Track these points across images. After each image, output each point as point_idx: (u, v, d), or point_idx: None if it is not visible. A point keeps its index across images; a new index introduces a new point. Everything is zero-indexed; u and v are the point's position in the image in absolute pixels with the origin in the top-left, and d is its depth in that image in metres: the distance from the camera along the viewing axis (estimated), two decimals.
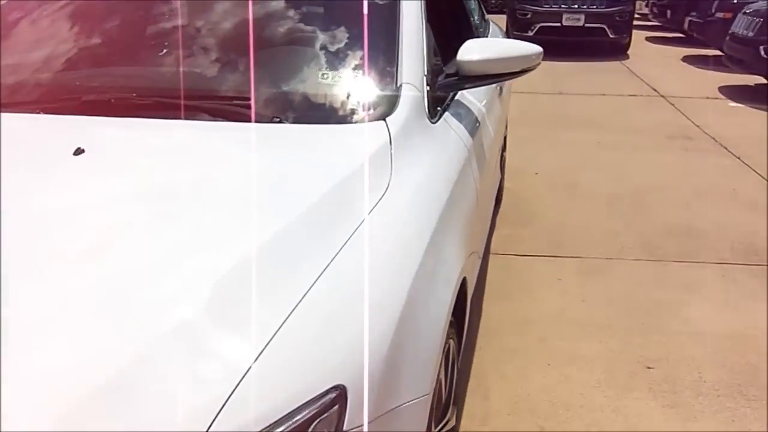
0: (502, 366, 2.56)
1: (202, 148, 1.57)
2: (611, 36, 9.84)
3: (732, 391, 2.41)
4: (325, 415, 1.00)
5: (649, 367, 2.55)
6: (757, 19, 6.93)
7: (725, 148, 5.35)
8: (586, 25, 9.74)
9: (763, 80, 7.51)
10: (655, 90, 7.56)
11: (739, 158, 5.09)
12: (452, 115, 2.02)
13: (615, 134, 5.85)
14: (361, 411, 1.04)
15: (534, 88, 7.19)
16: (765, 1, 7.44)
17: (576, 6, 9.74)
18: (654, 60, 9.65)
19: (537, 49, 2.11)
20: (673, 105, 6.85)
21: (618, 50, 10.11)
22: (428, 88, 1.87)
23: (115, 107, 1.70)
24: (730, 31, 7.45)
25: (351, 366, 1.05)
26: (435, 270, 1.38)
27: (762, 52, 6.74)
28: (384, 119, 1.66)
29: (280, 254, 1.20)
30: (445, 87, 1.98)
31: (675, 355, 2.63)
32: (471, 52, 1.96)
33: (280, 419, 0.96)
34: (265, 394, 0.98)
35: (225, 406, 0.94)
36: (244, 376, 0.98)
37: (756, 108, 6.67)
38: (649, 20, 12.38)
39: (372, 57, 1.86)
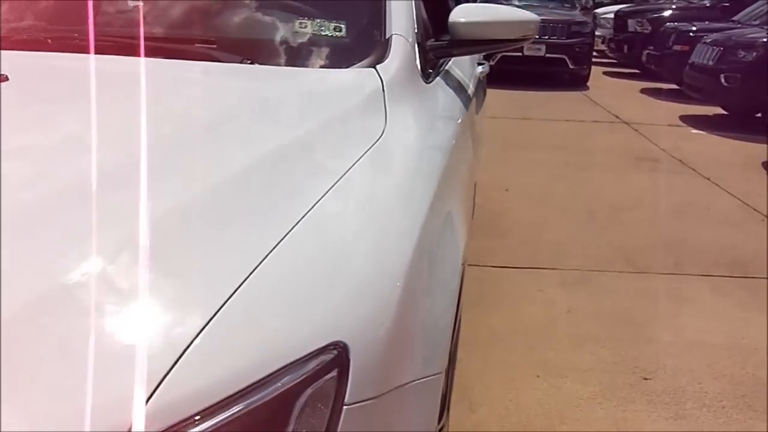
0: (487, 377, 2.31)
1: (151, 82, 1.30)
2: (571, 66, 9.88)
3: (738, 402, 2.21)
4: (319, 383, 0.73)
5: (646, 378, 2.33)
6: (717, 48, 7.00)
7: (693, 170, 5.28)
8: (547, 55, 9.76)
9: (721, 110, 7.59)
10: (617, 117, 7.55)
11: (708, 179, 5.02)
12: (445, 82, 1.81)
13: (582, 155, 5.75)
14: (366, 381, 0.77)
15: (498, 114, 7.10)
16: (723, 32, 7.57)
17: (537, 36, 9.77)
18: (613, 91, 9.71)
19: (534, 17, 1.93)
20: (636, 130, 6.82)
21: (578, 81, 10.16)
22: (419, 45, 1.65)
23: (53, 46, 1.42)
24: (689, 61, 7.51)
25: (354, 320, 0.78)
26: (442, 226, 1.14)
27: (723, 80, 6.79)
28: (374, 67, 1.44)
29: (248, 191, 0.94)
30: (436, 49, 1.77)
31: (671, 365, 2.42)
32: (464, 13, 1.77)
33: (247, 388, 0.69)
34: (225, 354, 0.70)
35: (172, 371, 0.67)
36: (198, 334, 0.70)
37: (718, 135, 6.69)
38: (607, 56, 12.56)
39: (357, 8, 1.66)
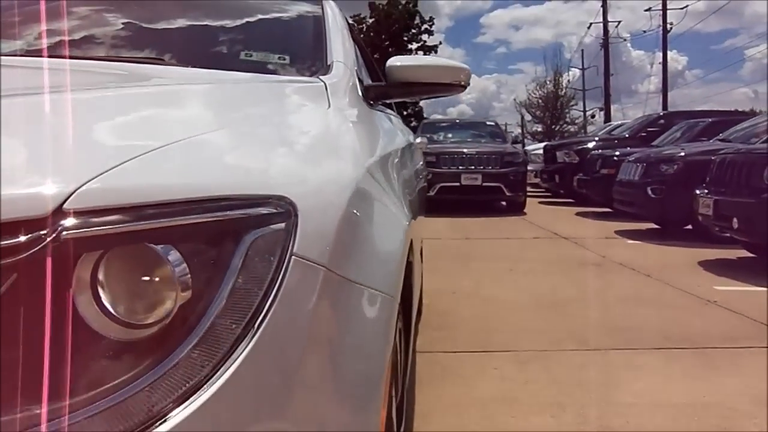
0: None
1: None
2: (507, 194, 10.28)
3: None
4: (266, 230, 0.68)
5: None
6: (641, 165, 7.44)
7: (633, 269, 5.41)
8: (484, 184, 10.16)
9: (653, 225, 7.92)
10: (556, 233, 7.78)
11: (648, 276, 5.13)
12: (386, 119, 1.85)
13: (525, 263, 5.84)
14: (315, 246, 0.72)
15: (441, 235, 7.25)
16: (643, 152, 8.08)
17: (473, 167, 10.21)
18: (550, 215, 10.09)
19: (465, 66, 2.03)
20: (576, 243, 7.02)
21: (515, 208, 10.54)
22: (359, 80, 1.71)
23: None
24: (617, 179, 7.94)
25: (303, 184, 0.77)
26: (384, 177, 1.12)
27: (650, 192, 7.15)
28: (318, 78, 1.47)
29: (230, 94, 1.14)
30: (374, 89, 1.83)
31: (636, 423, 2.33)
32: (400, 59, 1.87)
33: (190, 201, 0.67)
34: (178, 167, 0.72)
35: (127, 163, 0.68)
36: (159, 148, 0.72)
37: (653, 243, 6.93)
38: (540, 187, 13.20)
39: (300, 42, 1.74)
